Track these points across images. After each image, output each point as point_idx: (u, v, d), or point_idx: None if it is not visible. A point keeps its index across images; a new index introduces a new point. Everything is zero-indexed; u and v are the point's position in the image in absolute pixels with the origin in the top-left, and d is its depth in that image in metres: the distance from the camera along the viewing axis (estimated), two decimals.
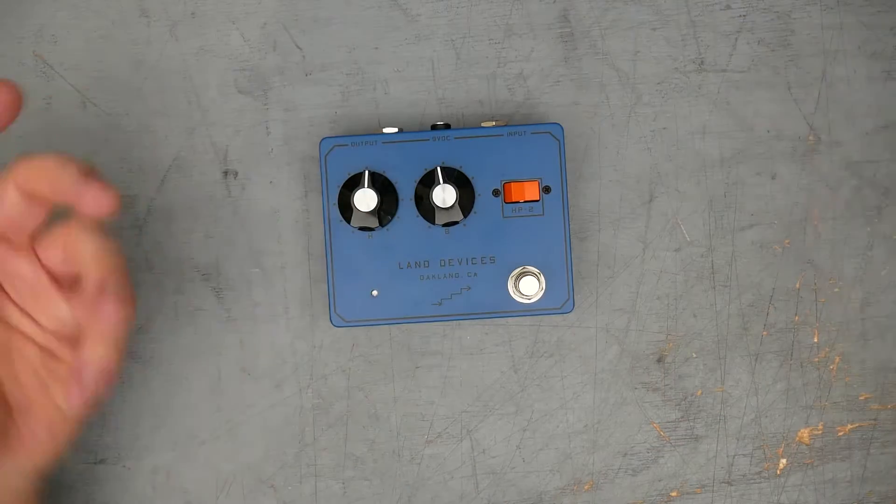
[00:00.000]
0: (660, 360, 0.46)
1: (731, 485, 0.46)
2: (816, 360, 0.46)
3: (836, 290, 0.46)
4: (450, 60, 0.46)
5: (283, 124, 0.46)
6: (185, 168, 0.46)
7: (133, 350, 0.46)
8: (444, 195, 0.41)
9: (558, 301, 0.42)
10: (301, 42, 0.46)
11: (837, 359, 0.46)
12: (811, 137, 0.46)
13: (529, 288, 0.41)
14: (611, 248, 0.46)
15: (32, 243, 0.38)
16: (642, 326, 0.46)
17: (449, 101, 0.46)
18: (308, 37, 0.46)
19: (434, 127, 0.43)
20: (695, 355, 0.46)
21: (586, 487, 0.46)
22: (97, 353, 0.36)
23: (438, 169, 0.41)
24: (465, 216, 0.42)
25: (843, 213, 0.46)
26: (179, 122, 0.46)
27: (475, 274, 0.42)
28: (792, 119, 0.46)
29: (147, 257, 0.46)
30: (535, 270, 0.42)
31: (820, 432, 0.46)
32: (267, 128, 0.46)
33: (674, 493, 0.46)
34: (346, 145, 0.42)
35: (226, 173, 0.46)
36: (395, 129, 0.42)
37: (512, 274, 0.42)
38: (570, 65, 0.46)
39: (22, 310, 0.39)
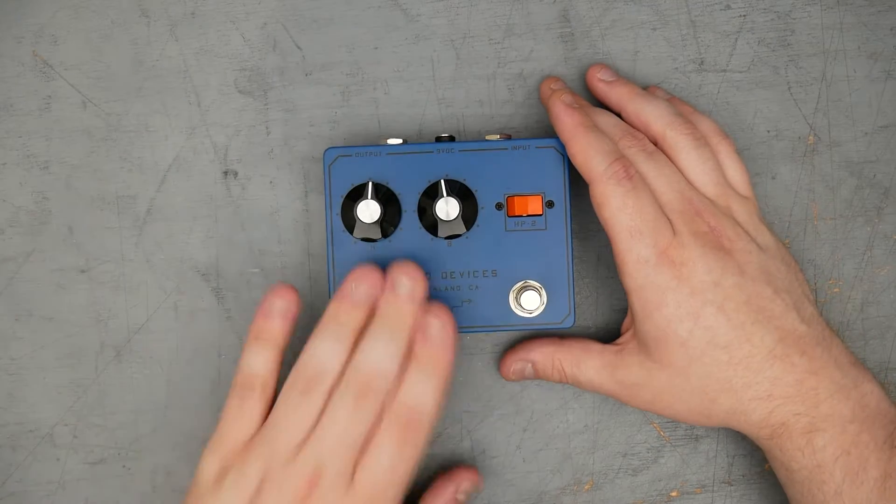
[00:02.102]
0: None
1: (731, 485, 0.46)
2: None
3: (836, 290, 0.46)
4: (450, 60, 0.46)
5: (283, 124, 0.46)
6: (185, 168, 0.46)
7: (133, 350, 0.46)
8: (447, 208, 0.41)
9: (559, 316, 0.42)
10: (301, 42, 0.46)
11: None
12: (811, 137, 0.46)
13: (530, 302, 0.41)
14: (611, 248, 0.46)
15: None
16: None
17: (449, 101, 0.46)
18: (308, 37, 0.46)
19: (439, 139, 0.43)
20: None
21: (586, 487, 0.46)
22: None
23: (442, 182, 0.41)
24: (467, 229, 0.42)
25: (843, 213, 0.46)
26: (179, 122, 0.46)
27: (476, 287, 0.42)
28: (792, 119, 0.46)
29: (147, 257, 0.46)
30: (537, 285, 0.42)
31: None
32: (267, 128, 0.46)
33: (674, 493, 0.46)
34: (350, 156, 0.42)
35: (226, 173, 0.46)
36: (400, 140, 0.42)
37: (513, 288, 0.42)
38: (570, 65, 0.46)
39: None
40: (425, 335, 0.38)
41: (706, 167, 0.41)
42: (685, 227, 0.39)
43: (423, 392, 0.37)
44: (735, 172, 0.42)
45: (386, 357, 0.37)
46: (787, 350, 0.39)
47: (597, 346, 0.42)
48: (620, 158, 0.39)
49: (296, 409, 0.37)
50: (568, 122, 0.41)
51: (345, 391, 0.37)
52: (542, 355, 0.43)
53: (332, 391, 0.37)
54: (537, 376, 0.44)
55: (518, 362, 0.43)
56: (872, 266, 0.46)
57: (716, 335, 0.38)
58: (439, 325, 0.38)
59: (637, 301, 0.39)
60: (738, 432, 0.46)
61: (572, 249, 0.42)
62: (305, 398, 0.37)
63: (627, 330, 0.42)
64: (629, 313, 0.42)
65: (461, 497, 0.43)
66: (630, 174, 0.39)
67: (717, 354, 0.39)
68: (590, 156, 0.39)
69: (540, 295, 0.41)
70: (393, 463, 0.36)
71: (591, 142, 0.40)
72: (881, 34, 0.46)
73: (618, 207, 0.39)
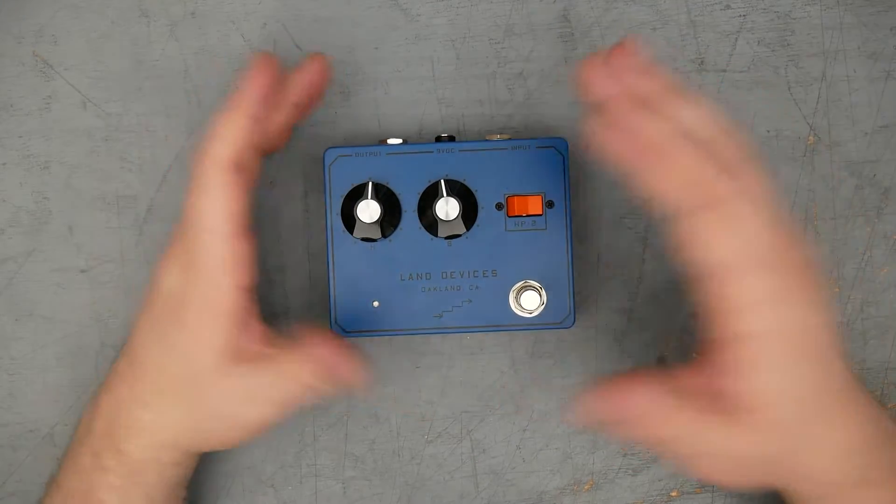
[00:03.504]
0: (660, 360, 0.46)
1: None
2: None
3: (836, 290, 0.46)
4: (450, 60, 0.46)
5: None
6: (185, 168, 0.46)
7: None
8: (447, 208, 0.41)
9: (559, 316, 0.42)
10: (301, 42, 0.46)
11: None
12: (811, 137, 0.46)
13: (530, 302, 0.41)
14: (611, 248, 0.46)
15: None
16: (642, 326, 0.46)
17: (449, 101, 0.46)
18: (308, 37, 0.46)
19: (439, 139, 0.43)
20: (695, 355, 0.46)
21: (586, 487, 0.46)
22: None
23: (442, 181, 0.41)
24: (467, 229, 0.42)
25: (843, 213, 0.46)
26: (179, 122, 0.46)
27: (477, 287, 0.42)
28: (792, 119, 0.46)
29: (147, 257, 0.46)
30: (537, 285, 0.42)
31: None
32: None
33: (674, 493, 0.46)
34: (350, 156, 0.42)
35: None
36: (400, 140, 0.42)
37: (513, 288, 0.42)
38: (570, 65, 0.46)
39: None
40: None
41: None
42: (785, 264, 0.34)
43: None
44: None
45: None
46: (849, 397, 0.36)
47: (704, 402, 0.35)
48: (708, 181, 0.33)
49: None
50: (628, 147, 0.33)
51: None
52: (648, 401, 0.35)
53: None
54: (626, 432, 0.36)
55: (613, 408, 0.36)
56: (872, 266, 0.46)
57: (809, 386, 0.35)
58: None
59: (750, 348, 0.33)
60: None
61: (572, 249, 0.42)
62: None
63: (708, 380, 0.35)
64: (715, 362, 0.35)
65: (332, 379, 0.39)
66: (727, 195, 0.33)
67: (807, 407, 0.35)
68: (673, 187, 0.33)
69: (540, 295, 0.42)
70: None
71: (670, 169, 0.32)
72: (881, 34, 0.46)
73: (719, 243, 0.33)
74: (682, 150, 0.32)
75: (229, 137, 0.37)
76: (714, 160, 0.33)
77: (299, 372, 0.38)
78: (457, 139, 0.43)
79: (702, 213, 0.32)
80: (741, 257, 0.32)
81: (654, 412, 0.35)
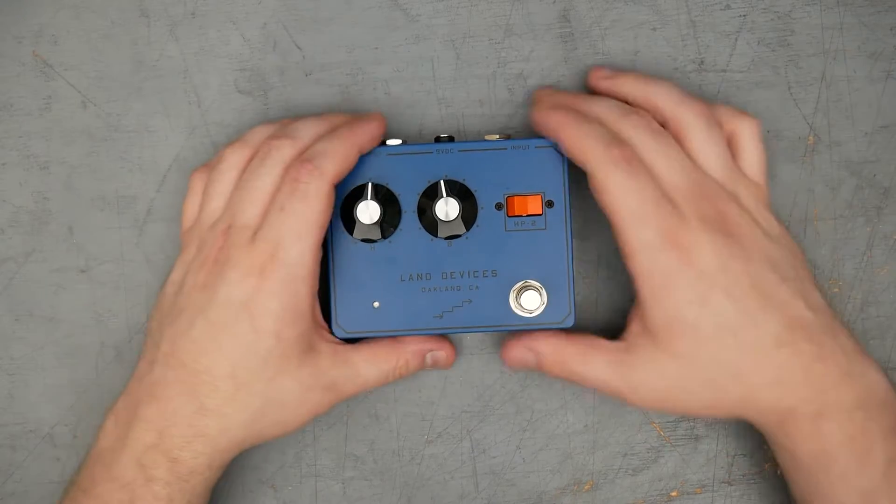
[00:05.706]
0: None
1: (731, 485, 0.46)
2: None
3: (836, 290, 0.46)
4: (450, 60, 0.46)
5: None
6: (185, 168, 0.46)
7: (133, 350, 0.46)
8: (446, 208, 0.41)
9: (559, 315, 0.42)
10: (301, 42, 0.46)
11: None
12: (811, 137, 0.46)
13: (531, 302, 0.41)
14: (611, 249, 0.46)
15: None
16: None
17: (449, 101, 0.46)
18: (308, 37, 0.46)
19: (438, 139, 0.43)
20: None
21: (586, 487, 0.46)
22: None
23: (442, 182, 0.41)
24: (467, 229, 0.42)
25: (843, 213, 0.46)
26: (179, 122, 0.46)
27: (477, 287, 0.42)
28: (792, 119, 0.46)
29: (147, 257, 0.46)
30: (537, 285, 0.42)
31: None
32: None
33: (674, 493, 0.46)
34: None
35: None
36: (399, 141, 0.42)
37: (513, 288, 0.42)
38: (570, 65, 0.46)
39: None
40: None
41: (716, 149, 0.40)
42: (691, 211, 0.38)
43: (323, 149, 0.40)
44: (751, 156, 0.41)
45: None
46: (794, 336, 0.38)
47: (605, 343, 0.41)
48: (616, 141, 0.39)
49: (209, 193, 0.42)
50: (552, 121, 0.40)
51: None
52: (548, 347, 0.42)
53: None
54: (540, 369, 0.42)
55: (523, 350, 0.42)
56: (872, 266, 0.46)
57: (723, 320, 0.38)
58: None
59: (644, 285, 0.39)
60: (738, 429, 0.46)
61: (572, 249, 0.42)
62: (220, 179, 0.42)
63: (633, 320, 0.41)
64: (636, 302, 0.40)
65: (429, 360, 0.43)
66: (627, 156, 0.38)
67: (725, 339, 0.38)
68: (585, 144, 0.39)
69: (540, 295, 0.42)
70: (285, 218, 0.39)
71: (583, 131, 0.39)
72: (881, 34, 0.46)
73: (618, 192, 0.38)
74: (577, 125, 0.40)
75: (338, 158, 0.39)
76: (613, 128, 0.40)
77: (384, 369, 0.42)
78: (456, 139, 0.43)
79: (599, 169, 0.39)
80: (630, 206, 0.38)
81: (560, 354, 0.41)
